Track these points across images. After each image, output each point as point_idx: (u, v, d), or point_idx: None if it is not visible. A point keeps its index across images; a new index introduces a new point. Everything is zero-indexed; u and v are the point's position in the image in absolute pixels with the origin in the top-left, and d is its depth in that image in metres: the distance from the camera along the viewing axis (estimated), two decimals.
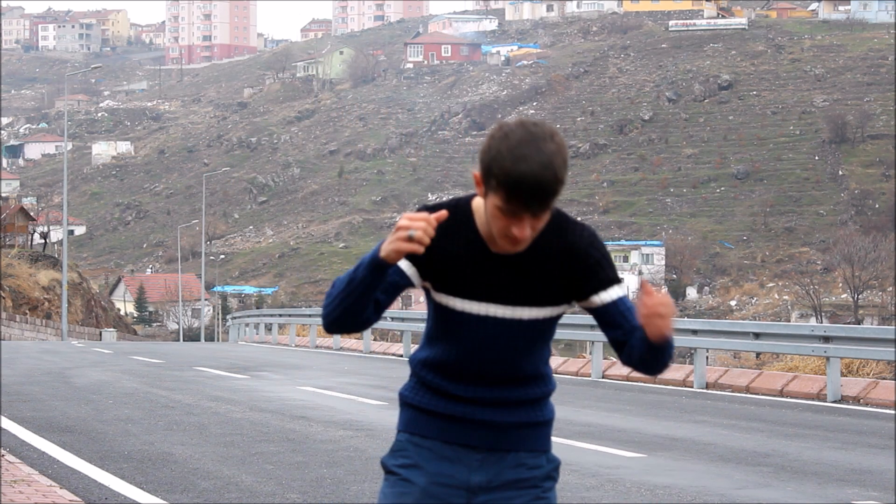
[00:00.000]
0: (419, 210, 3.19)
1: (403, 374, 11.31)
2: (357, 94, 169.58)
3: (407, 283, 3.24)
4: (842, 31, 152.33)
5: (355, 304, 3.16)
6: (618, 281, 3.26)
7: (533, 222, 3.09)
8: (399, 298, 3.27)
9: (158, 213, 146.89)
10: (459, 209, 3.22)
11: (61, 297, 52.73)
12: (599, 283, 3.24)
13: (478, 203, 3.22)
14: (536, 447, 3.31)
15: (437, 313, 3.27)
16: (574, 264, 3.21)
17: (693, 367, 18.25)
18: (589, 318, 21.18)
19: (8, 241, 68.33)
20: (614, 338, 3.27)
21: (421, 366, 3.33)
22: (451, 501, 3.26)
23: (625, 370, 19.93)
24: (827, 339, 15.90)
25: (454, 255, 3.20)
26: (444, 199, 3.36)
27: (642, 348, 3.21)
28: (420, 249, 3.07)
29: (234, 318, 46.60)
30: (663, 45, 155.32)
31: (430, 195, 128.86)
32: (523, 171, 3.01)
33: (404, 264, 3.22)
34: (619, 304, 3.25)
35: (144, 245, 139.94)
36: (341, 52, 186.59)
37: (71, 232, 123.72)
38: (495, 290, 3.21)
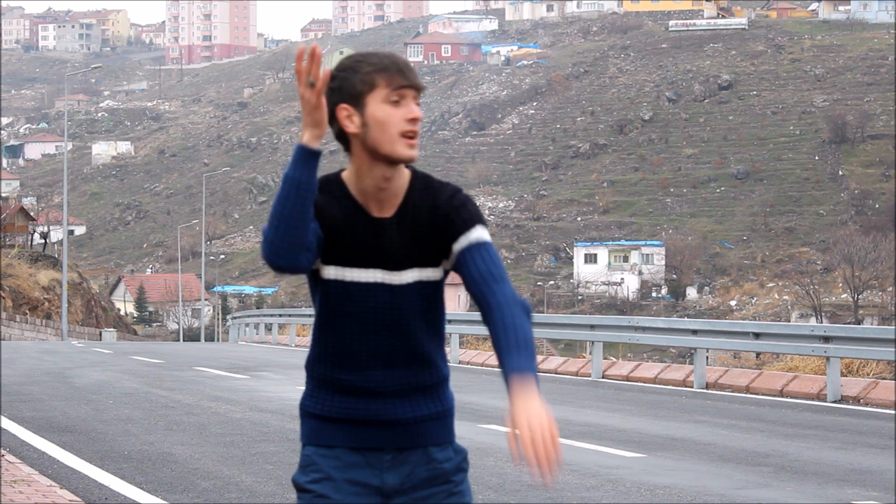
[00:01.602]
0: None
1: None
2: None
3: (315, 254, 3.18)
4: (842, 31, 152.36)
5: (294, 214, 3.05)
6: (480, 221, 3.22)
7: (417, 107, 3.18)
8: None
9: (158, 213, 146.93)
10: (331, 182, 3.24)
11: (61, 297, 52.73)
12: (461, 226, 3.20)
13: (347, 174, 3.25)
14: (442, 439, 3.29)
15: (326, 293, 3.24)
16: (438, 217, 3.22)
17: (693, 367, 18.26)
18: (589, 319, 21.19)
19: (8, 241, 68.32)
20: (472, 288, 3.18)
21: (316, 362, 3.28)
22: None
23: (625, 370, 19.95)
24: (827, 339, 15.89)
25: (340, 225, 3.21)
26: None
27: (499, 341, 3.13)
28: (321, 88, 3.03)
29: (235, 318, 46.61)
30: (663, 45, 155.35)
31: None
32: (386, 56, 3.19)
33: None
34: (482, 248, 3.18)
35: (144, 245, 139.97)
36: (341, 52, 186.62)
37: (71, 232, 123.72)
38: (379, 256, 3.21)
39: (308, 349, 3.36)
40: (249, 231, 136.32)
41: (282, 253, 3.08)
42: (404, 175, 3.25)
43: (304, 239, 3.09)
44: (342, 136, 3.23)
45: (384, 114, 3.16)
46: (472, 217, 3.22)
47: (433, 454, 3.27)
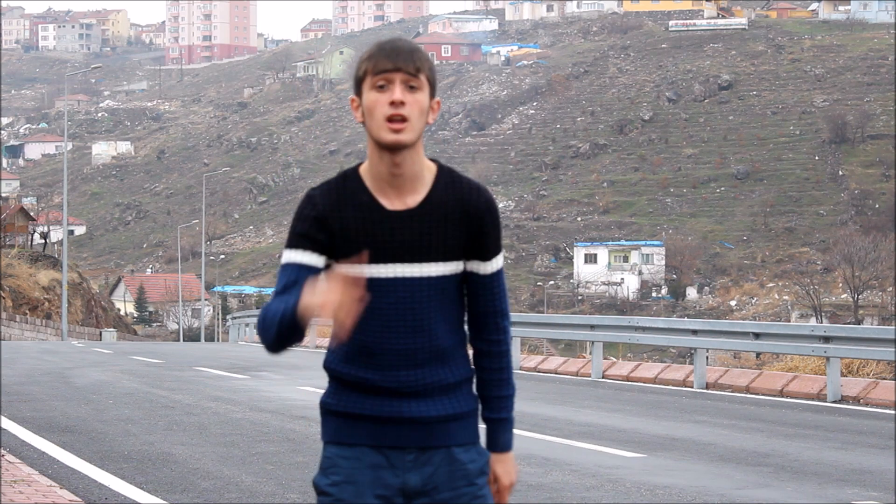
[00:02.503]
0: (308, 196, 3.21)
1: None
2: None
3: (316, 271, 3.22)
4: (842, 31, 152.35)
5: (293, 336, 3.12)
6: (501, 250, 3.31)
7: (405, 93, 3.15)
8: None
9: (158, 213, 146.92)
10: (349, 178, 3.24)
11: (61, 297, 52.72)
12: (488, 252, 3.27)
13: (364, 167, 3.24)
14: (466, 440, 3.27)
15: None
16: (470, 222, 3.23)
17: (693, 367, 18.26)
18: (589, 319, 21.20)
19: (8, 241, 68.29)
20: (476, 310, 3.30)
21: (339, 362, 3.25)
22: None
23: (625, 370, 19.96)
24: (827, 339, 15.89)
25: (353, 221, 3.20)
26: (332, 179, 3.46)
27: (482, 386, 3.35)
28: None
29: (235, 318, 46.62)
30: (663, 45, 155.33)
31: None
32: (383, 43, 3.19)
33: (307, 257, 3.19)
34: (497, 277, 3.30)
35: (144, 245, 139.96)
36: (341, 52, 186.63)
37: (71, 232, 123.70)
38: (399, 249, 3.20)
39: (325, 350, 3.33)
40: (249, 231, 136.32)
41: (285, 349, 3.18)
42: (429, 167, 3.25)
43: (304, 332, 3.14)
44: None
45: (371, 100, 3.17)
46: (499, 240, 3.29)
47: (456, 455, 3.25)
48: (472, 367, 3.34)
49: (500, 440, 3.34)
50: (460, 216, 3.22)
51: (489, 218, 3.25)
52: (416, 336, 3.22)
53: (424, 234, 3.21)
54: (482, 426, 3.35)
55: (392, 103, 3.15)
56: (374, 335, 3.21)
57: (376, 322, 3.20)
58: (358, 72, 3.20)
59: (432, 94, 3.22)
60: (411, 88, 3.16)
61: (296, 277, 3.17)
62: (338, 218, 3.20)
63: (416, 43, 3.27)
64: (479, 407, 3.34)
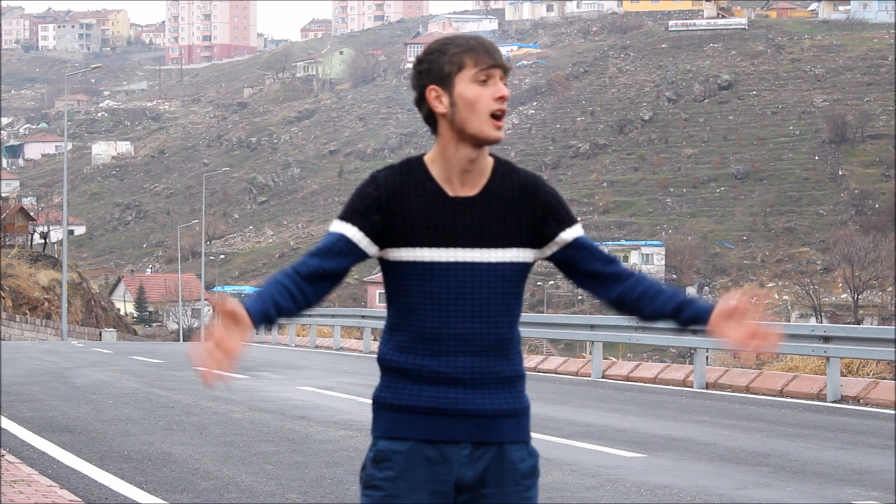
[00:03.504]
0: (373, 177, 3.24)
1: None
2: (357, 94, 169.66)
3: (359, 254, 3.24)
4: (842, 31, 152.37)
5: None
6: (576, 220, 3.34)
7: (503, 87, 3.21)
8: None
9: (158, 213, 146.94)
10: (413, 165, 3.26)
11: (61, 297, 52.72)
12: (563, 220, 3.30)
13: (428, 156, 3.26)
14: (518, 438, 3.26)
15: (402, 276, 3.23)
16: (530, 202, 3.27)
17: (693, 367, 18.25)
18: (589, 319, 21.18)
19: (8, 241, 68.30)
20: (592, 270, 3.34)
21: (394, 352, 3.25)
22: None
23: (625, 370, 19.93)
24: (827, 339, 15.89)
25: (415, 206, 3.21)
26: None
27: (652, 299, 3.33)
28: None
29: None
30: (663, 45, 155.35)
31: None
32: (472, 38, 3.22)
33: (353, 232, 3.22)
34: (585, 240, 3.34)
35: (144, 245, 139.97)
36: (341, 52, 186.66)
37: (71, 232, 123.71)
38: (461, 234, 3.21)
39: (380, 345, 3.32)
40: (249, 231, 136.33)
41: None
42: (488, 158, 3.28)
43: (294, 305, 3.25)
44: (430, 118, 3.25)
45: (473, 93, 3.19)
46: (570, 212, 3.33)
47: (508, 453, 3.24)
48: (524, 366, 3.35)
49: (701, 305, 3.32)
50: (520, 203, 3.26)
51: (551, 196, 3.30)
52: (476, 321, 3.21)
53: (485, 220, 3.23)
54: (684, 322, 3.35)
55: (500, 98, 3.20)
56: (433, 320, 3.21)
57: (435, 306, 3.21)
58: (445, 65, 3.20)
59: None
60: (503, 79, 3.24)
61: (333, 247, 3.23)
62: (399, 201, 3.22)
63: None
64: (530, 407, 3.34)
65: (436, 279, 3.20)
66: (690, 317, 3.30)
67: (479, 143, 3.20)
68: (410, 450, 3.20)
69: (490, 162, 3.28)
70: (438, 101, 3.20)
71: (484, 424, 3.21)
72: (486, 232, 3.22)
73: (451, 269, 3.20)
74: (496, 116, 3.19)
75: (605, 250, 3.36)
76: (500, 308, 3.24)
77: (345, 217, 3.24)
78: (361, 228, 3.22)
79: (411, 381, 3.22)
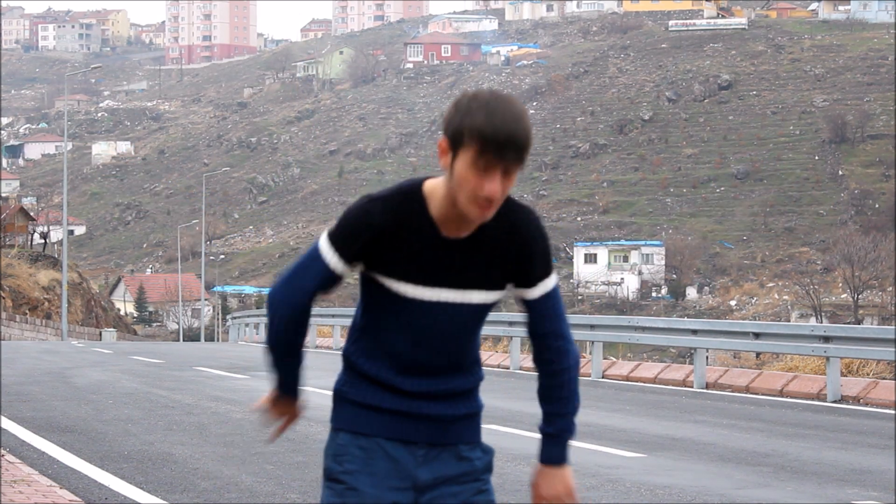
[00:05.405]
0: (368, 208, 3.17)
1: None
2: (357, 94, 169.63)
3: (339, 280, 3.25)
4: (842, 31, 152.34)
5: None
6: (550, 274, 3.32)
7: (503, 182, 3.08)
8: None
9: (158, 213, 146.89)
10: (410, 198, 3.19)
11: (61, 297, 52.73)
12: (535, 277, 3.28)
13: (430, 186, 3.20)
14: (471, 439, 3.33)
15: (382, 302, 3.24)
16: (520, 248, 3.24)
17: (693, 367, 18.26)
18: (589, 319, 21.20)
19: (8, 241, 68.30)
20: (535, 329, 3.33)
21: (360, 356, 3.29)
22: (401, 502, 3.24)
23: (625, 370, 19.96)
24: (827, 339, 15.89)
25: (407, 242, 3.19)
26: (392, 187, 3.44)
27: (546, 400, 3.37)
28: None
29: (235, 318, 46.61)
30: (663, 45, 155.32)
31: None
32: (497, 122, 3.03)
33: (341, 267, 3.22)
34: (547, 301, 3.31)
35: (144, 245, 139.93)
36: (341, 52, 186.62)
37: (71, 232, 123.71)
38: (447, 275, 3.21)
39: (347, 340, 3.34)
40: (249, 231, 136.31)
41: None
42: None
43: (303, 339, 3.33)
44: None
45: (464, 177, 3.08)
46: (548, 264, 3.29)
47: (463, 452, 3.31)
48: (483, 373, 3.40)
49: (547, 453, 3.36)
50: (509, 245, 3.23)
51: (537, 246, 3.25)
52: (444, 354, 3.27)
53: (473, 262, 3.22)
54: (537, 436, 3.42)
55: (486, 198, 3.08)
56: (403, 345, 3.25)
57: (408, 337, 3.24)
58: (458, 129, 3.07)
59: None
60: (507, 174, 3.10)
61: (325, 282, 3.25)
62: (392, 237, 3.18)
63: (524, 112, 3.09)
64: (482, 408, 3.39)
65: (414, 314, 3.22)
66: (541, 445, 3.38)
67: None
68: (371, 445, 3.25)
69: None
70: (443, 155, 3.13)
71: (439, 427, 3.28)
72: (472, 274, 3.23)
73: (432, 308, 3.22)
74: (482, 207, 3.11)
75: (565, 320, 3.34)
76: (469, 342, 3.30)
77: (333, 241, 3.21)
78: (346, 259, 3.21)
79: (373, 384, 3.28)
